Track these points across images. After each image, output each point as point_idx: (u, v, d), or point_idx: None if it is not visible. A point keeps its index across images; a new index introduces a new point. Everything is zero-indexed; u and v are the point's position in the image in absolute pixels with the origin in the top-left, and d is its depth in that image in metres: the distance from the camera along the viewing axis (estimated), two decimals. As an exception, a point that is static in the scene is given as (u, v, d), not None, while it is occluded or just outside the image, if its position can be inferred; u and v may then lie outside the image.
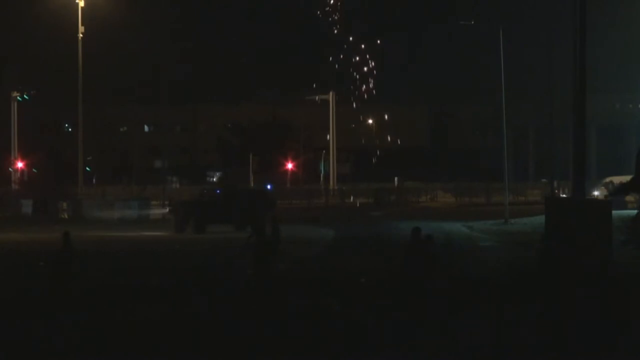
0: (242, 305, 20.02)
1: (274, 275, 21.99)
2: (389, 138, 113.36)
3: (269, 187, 65.39)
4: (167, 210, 52.67)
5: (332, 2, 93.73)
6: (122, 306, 20.15)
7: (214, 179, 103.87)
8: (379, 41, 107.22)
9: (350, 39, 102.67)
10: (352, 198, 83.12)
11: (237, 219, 44.91)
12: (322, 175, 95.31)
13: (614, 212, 26.25)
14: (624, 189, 36.72)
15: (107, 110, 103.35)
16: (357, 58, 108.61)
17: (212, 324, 18.21)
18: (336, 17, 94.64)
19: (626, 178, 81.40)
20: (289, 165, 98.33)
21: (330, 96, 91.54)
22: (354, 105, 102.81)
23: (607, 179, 76.88)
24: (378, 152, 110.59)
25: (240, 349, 16.24)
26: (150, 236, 43.93)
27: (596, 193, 79.45)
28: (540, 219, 36.56)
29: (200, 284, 23.53)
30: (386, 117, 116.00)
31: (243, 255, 23.35)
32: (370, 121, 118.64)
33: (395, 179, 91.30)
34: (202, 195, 50.03)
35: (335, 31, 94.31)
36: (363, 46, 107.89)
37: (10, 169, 79.41)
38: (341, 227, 48.47)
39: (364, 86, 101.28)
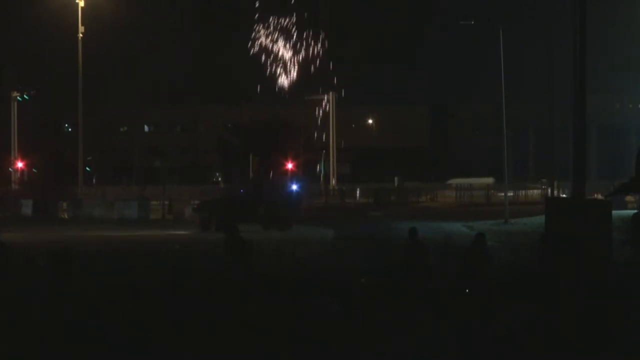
0: (239, 306, 20.01)
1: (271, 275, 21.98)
2: (389, 138, 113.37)
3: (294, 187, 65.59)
4: (192, 209, 53.30)
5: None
6: (111, 306, 20.10)
7: (216, 180, 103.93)
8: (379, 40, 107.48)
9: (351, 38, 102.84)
10: (352, 198, 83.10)
11: (262, 218, 45.45)
12: (322, 175, 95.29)
13: (614, 212, 26.23)
14: (624, 189, 36.62)
15: (107, 110, 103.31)
16: (357, 58, 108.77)
17: (210, 324, 18.20)
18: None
19: (468, 181, 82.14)
20: (289, 165, 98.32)
21: (330, 96, 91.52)
22: (355, 104, 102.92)
23: (450, 181, 77.75)
24: (378, 152, 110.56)
25: (240, 349, 16.24)
26: (173, 235, 44.21)
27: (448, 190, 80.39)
28: (540, 219, 36.53)
29: (196, 284, 23.50)
30: (386, 117, 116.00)
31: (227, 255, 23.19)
32: (370, 121, 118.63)
33: (395, 179, 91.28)
34: (227, 194, 50.46)
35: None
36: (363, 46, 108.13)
37: (10, 169, 79.37)
38: (341, 227, 48.45)
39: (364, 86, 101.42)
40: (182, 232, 46.01)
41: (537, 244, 19.97)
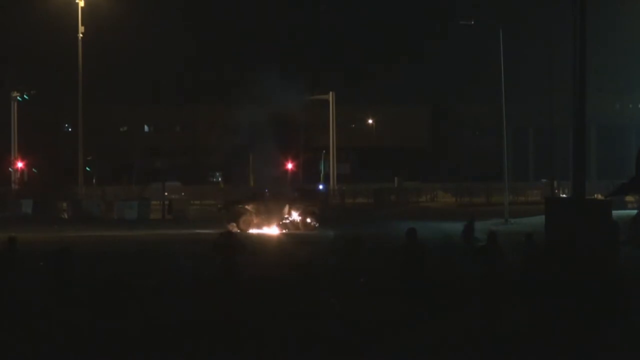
0: (239, 305, 19.99)
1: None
2: (389, 138, 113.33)
3: (321, 187, 65.94)
4: (218, 209, 54.09)
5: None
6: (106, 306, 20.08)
7: (216, 179, 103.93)
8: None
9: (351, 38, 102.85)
10: (352, 198, 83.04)
11: (278, 218, 46.51)
12: (322, 176, 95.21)
13: (614, 212, 26.27)
14: (624, 189, 36.62)
15: (107, 110, 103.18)
16: (358, 57, 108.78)
17: (209, 323, 18.19)
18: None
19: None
20: (289, 165, 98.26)
21: (330, 96, 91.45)
22: (354, 105, 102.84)
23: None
24: (378, 152, 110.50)
25: (239, 349, 16.22)
26: (200, 234, 44.32)
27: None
28: (540, 219, 36.56)
29: (194, 284, 23.53)
30: (386, 117, 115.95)
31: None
32: (370, 121, 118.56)
33: (395, 179, 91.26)
34: (252, 194, 51.49)
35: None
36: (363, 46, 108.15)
37: (10, 169, 79.33)
38: (341, 227, 48.43)
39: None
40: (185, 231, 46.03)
41: (537, 244, 19.99)
